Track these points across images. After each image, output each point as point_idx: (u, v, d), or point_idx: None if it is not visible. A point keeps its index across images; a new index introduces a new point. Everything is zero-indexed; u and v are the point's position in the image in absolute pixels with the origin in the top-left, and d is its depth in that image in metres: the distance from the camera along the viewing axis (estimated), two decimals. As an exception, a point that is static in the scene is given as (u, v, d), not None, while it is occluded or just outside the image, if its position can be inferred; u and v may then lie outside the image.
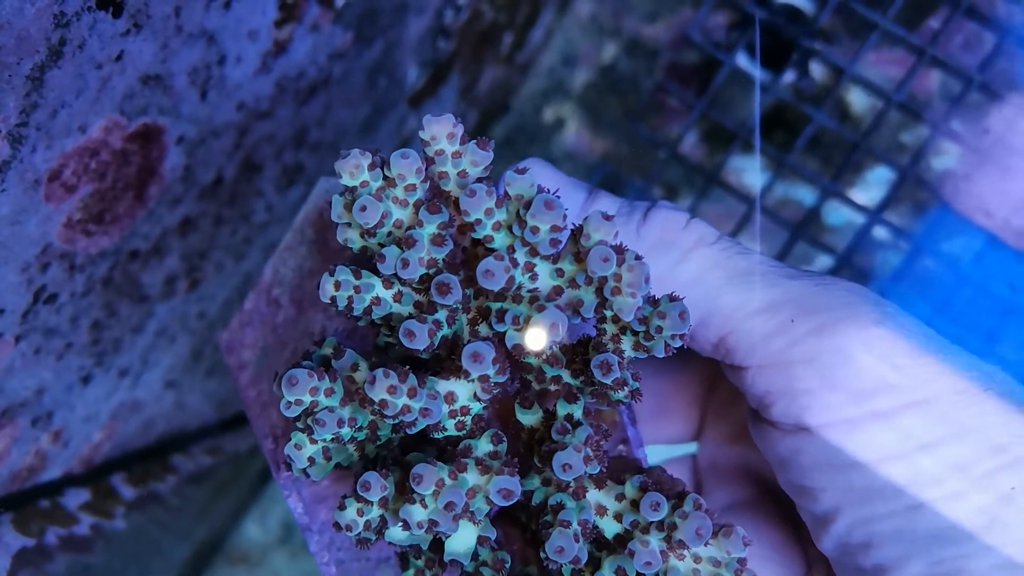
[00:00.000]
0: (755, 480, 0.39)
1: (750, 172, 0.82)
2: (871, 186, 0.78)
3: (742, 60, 0.72)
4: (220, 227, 0.53)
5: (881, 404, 0.29)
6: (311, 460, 0.28)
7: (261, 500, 0.86)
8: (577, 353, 0.29)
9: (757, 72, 0.73)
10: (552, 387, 0.29)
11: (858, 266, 0.67)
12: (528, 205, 0.27)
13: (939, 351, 0.30)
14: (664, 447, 0.41)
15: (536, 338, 0.27)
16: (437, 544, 0.30)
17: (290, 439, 0.28)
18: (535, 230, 0.27)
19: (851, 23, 0.72)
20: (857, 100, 0.76)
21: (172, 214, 0.48)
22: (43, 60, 0.33)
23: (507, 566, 0.30)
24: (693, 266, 0.31)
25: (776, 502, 0.37)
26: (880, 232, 0.70)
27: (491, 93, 0.81)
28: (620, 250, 0.27)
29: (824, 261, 0.72)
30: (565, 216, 0.27)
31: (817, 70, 0.73)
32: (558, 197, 0.27)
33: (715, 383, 0.40)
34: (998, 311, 0.67)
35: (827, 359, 0.29)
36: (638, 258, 0.27)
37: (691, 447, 0.41)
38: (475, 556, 0.30)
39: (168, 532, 0.63)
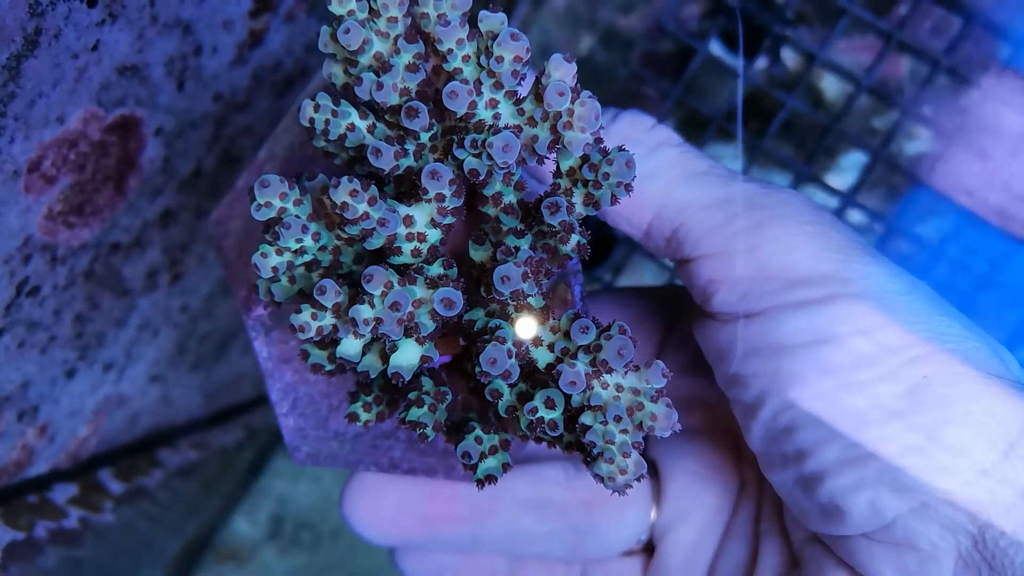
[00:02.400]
0: (704, 409, 0.41)
1: (727, 159, 0.83)
2: (845, 171, 0.79)
3: (716, 48, 0.73)
4: (201, 219, 0.53)
5: (812, 293, 0.31)
6: (275, 270, 0.30)
7: (250, 495, 0.87)
8: (535, 217, 0.30)
9: (740, 61, 0.74)
10: (520, 229, 0.31)
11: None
12: (495, 37, 0.28)
13: (871, 253, 0.32)
14: None
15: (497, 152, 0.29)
16: (386, 385, 0.31)
17: (257, 250, 0.30)
18: (499, 59, 0.28)
19: (821, 10, 0.73)
20: (829, 86, 0.77)
21: (152, 206, 0.48)
22: (19, 50, 0.33)
23: (448, 398, 0.32)
24: (654, 162, 0.33)
25: (721, 431, 0.39)
26: (854, 215, 0.71)
27: (469, 86, 0.81)
28: (576, 89, 0.28)
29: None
30: (528, 50, 0.29)
31: (789, 56, 0.74)
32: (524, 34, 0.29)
33: (675, 319, 0.42)
34: (976, 287, 0.68)
35: (765, 249, 0.32)
36: (591, 97, 0.28)
37: None
38: (418, 385, 0.32)
39: (158, 526, 0.64)
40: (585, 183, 0.29)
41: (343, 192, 0.27)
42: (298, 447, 0.36)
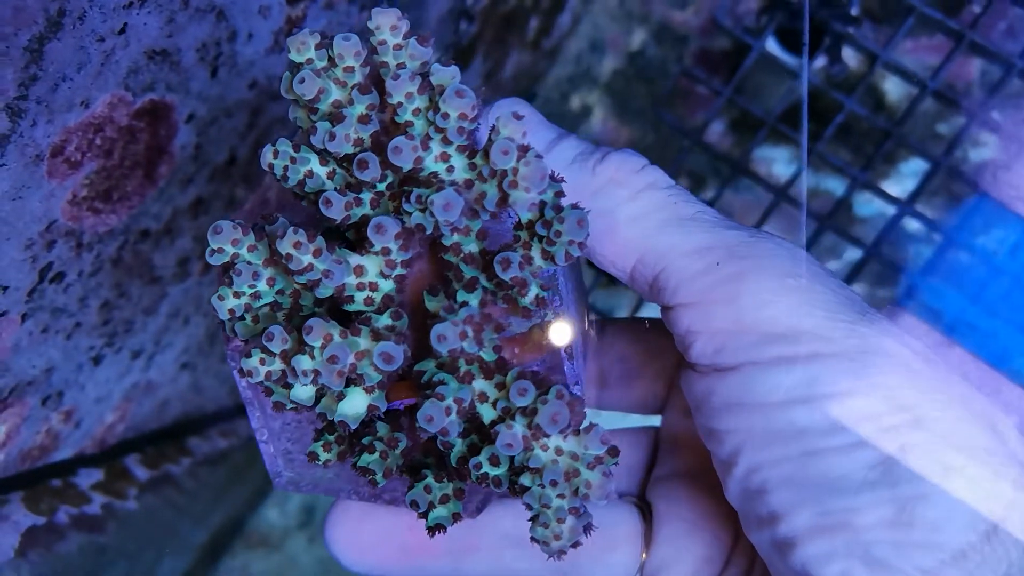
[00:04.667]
0: (708, 455, 0.39)
1: (780, 163, 0.80)
2: (905, 177, 0.76)
3: (772, 45, 0.70)
4: (234, 209, 0.53)
5: (791, 350, 0.30)
6: (231, 312, 0.30)
7: (281, 485, 0.86)
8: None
9: (804, 59, 0.71)
10: (472, 283, 0.31)
11: (888, 258, 0.64)
12: (443, 92, 0.28)
13: (859, 311, 0.30)
14: (630, 416, 0.43)
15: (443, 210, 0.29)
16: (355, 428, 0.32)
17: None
18: (445, 116, 0.28)
19: (887, 7, 0.69)
20: (892, 88, 0.74)
21: (184, 194, 0.47)
22: (41, 31, 0.32)
23: (401, 444, 0.32)
24: (639, 205, 0.32)
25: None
26: (912, 224, 0.68)
27: (516, 79, 0.80)
28: (524, 148, 0.28)
29: (853, 254, 0.70)
30: (475, 107, 0.29)
31: (850, 56, 0.71)
32: (470, 89, 0.29)
33: (683, 362, 0.40)
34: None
35: (744, 301, 0.30)
36: (538, 156, 0.28)
37: (655, 420, 0.42)
38: (373, 431, 0.32)
39: (183, 515, 0.64)
40: (540, 239, 0.29)
41: (287, 243, 0.28)
42: (280, 473, 0.37)
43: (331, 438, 0.33)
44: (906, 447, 0.28)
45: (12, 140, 0.34)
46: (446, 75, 0.29)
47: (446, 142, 0.29)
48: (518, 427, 0.29)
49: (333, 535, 0.38)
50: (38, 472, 0.49)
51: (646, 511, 0.39)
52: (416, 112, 0.30)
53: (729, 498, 0.32)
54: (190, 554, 0.68)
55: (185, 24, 0.39)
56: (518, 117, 0.29)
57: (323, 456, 0.33)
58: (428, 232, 0.30)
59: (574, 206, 0.29)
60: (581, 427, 0.29)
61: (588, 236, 0.29)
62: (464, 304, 0.30)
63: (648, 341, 0.41)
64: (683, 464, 0.40)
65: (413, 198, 0.29)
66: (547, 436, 0.29)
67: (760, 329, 0.30)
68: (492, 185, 0.29)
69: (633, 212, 0.32)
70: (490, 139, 0.29)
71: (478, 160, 0.29)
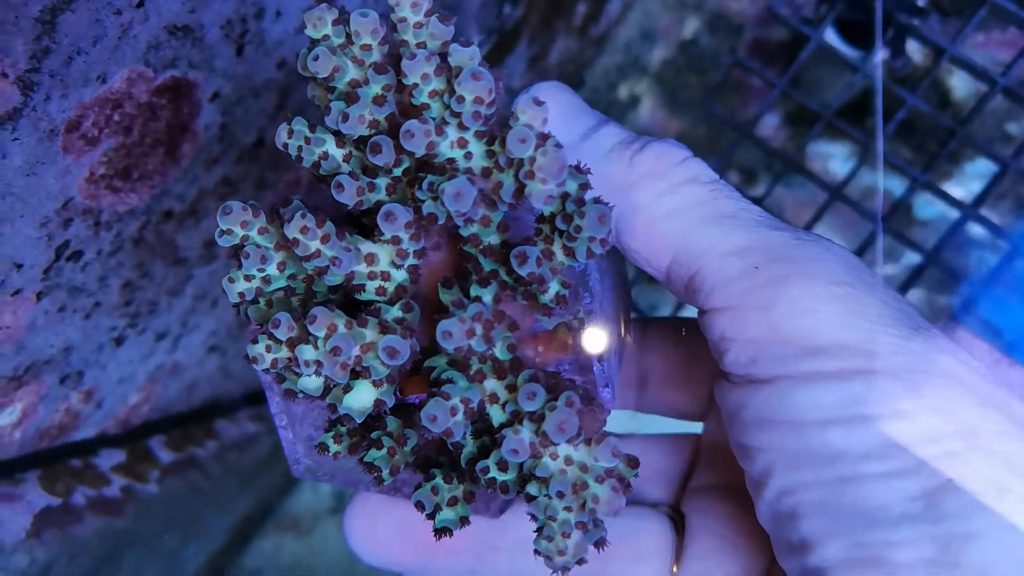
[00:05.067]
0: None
1: (837, 160, 0.76)
2: (970, 179, 0.72)
3: (831, 36, 0.66)
4: (263, 191, 0.51)
5: (830, 365, 0.27)
6: (241, 296, 0.29)
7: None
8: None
9: (878, 44, 0.68)
10: (487, 278, 0.30)
11: (949, 265, 0.61)
12: (459, 74, 0.27)
13: (912, 326, 0.28)
14: (672, 422, 0.40)
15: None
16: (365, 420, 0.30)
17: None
18: (460, 99, 0.27)
19: (956, -2, 0.65)
20: (959, 84, 0.70)
21: (209, 175, 0.46)
22: (54, 2, 0.31)
23: (411, 441, 0.31)
24: (677, 199, 0.30)
25: None
26: (976, 229, 0.64)
27: (562, 65, 0.77)
28: (543, 136, 0.27)
29: (911, 258, 0.66)
30: (492, 91, 0.27)
31: (914, 49, 0.67)
32: (487, 69, 0.27)
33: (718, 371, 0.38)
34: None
35: (782, 309, 0.28)
36: (557, 146, 0.26)
37: (698, 426, 0.40)
38: (383, 426, 0.31)
39: (207, 501, 0.63)
40: (560, 234, 0.27)
41: (294, 228, 0.27)
42: (298, 460, 0.35)
43: (342, 429, 0.32)
44: (954, 480, 0.26)
45: (25, 114, 0.33)
46: (464, 56, 0.27)
47: (462, 127, 0.28)
48: (525, 433, 0.27)
49: (350, 527, 0.37)
50: (57, 451, 0.49)
51: (679, 523, 0.37)
52: (432, 94, 0.28)
53: (760, 520, 0.30)
54: (215, 539, 0.68)
55: (208, -1, 0.38)
56: (539, 103, 0.27)
57: (333, 447, 0.32)
58: (441, 222, 0.28)
59: (597, 200, 0.27)
60: (594, 438, 0.28)
61: (611, 233, 0.27)
62: (476, 299, 0.29)
63: (692, 343, 0.39)
64: (722, 477, 0.37)
65: (426, 185, 0.28)
66: (555, 444, 0.27)
67: (798, 340, 0.28)
68: (509, 175, 0.27)
69: (671, 207, 0.30)
70: (508, 125, 0.27)
71: (496, 147, 0.28)
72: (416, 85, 0.28)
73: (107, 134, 0.38)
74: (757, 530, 0.35)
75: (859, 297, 0.28)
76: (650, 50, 0.81)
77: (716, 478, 0.38)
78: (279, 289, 0.30)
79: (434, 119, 0.28)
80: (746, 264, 0.29)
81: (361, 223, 0.32)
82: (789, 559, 0.29)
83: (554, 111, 0.31)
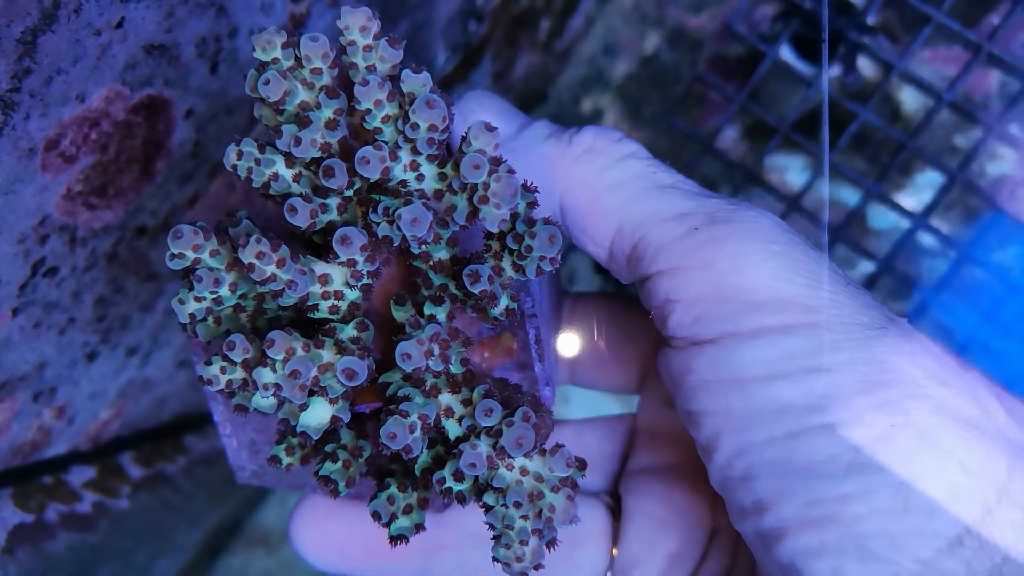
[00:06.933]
0: (681, 445, 0.38)
1: (793, 172, 0.78)
2: (921, 189, 0.74)
3: (786, 53, 0.69)
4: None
5: (770, 319, 0.28)
6: (192, 316, 0.29)
7: (280, 485, 0.86)
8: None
9: (824, 60, 0.70)
10: (439, 295, 0.30)
11: (901, 272, 0.63)
12: (413, 101, 0.28)
13: (842, 282, 0.29)
14: (605, 408, 0.41)
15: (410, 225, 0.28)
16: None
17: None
18: (415, 126, 0.28)
19: (904, 17, 0.68)
20: (908, 99, 0.73)
21: (182, 191, 0.47)
22: (35, 23, 0.31)
23: (364, 453, 0.31)
24: (619, 172, 0.31)
25: (695, 470, 0.37)
26: (926, 238, 0.66)
27: (527, 80, 0.79)
28: (496, 161, 0.27)
29: (865, 267, 0.69)
30: (446, 118, 0.28)
31: (865, 65, 0.70)
32: (440, 96, 0.28)
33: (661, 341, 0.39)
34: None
35: (723, 265, 0.29)
36: (510, 171, 0.27)
37: (633, 405, 0.41)
38: (337, 439, 0.31)
39: (178, 515, 0.63)
40: (511, 251, 0.28)
41: (250, 253, 0.27)
42: (243, 467, 0.36)
43: (294, 441, 0.32)
44: (895, 426, 0.27)
45: (4, 133, 0.33)
46: (416, 82, 0.28)
47: (415, 152, 0.28)
48: (483, 447, 0.28)
49: (299, 534, 0.37)
50: (29, 468, 0.49)
51: (617, 505, 0.38)
52: (385, 119, 0.29)
53: (713, 485, 0.31)
54: (185, 554, 0.67)
55: (184, 18, 0.38)
56: (490, 129, 0.28)
57: (285, 460, 0.32)
58: (395, 244, 0.29)
59: (546, 220, 0.28)
60: (548, 447, 0.29)
61: (560, 251, 0.28)
62: (431, 318, 0.29)
63: (623, 318, 0.40)
64: (657, 457, 0.38)
65: (380, 209, 0.28)
66: (512, 457, 0.28)
67: (740, 296, 0.29)
68: (462, 198, 0.28)
69: (613, 180, 0.31)
70: (461, 150, 0.28)
71: (448, 170, 0.28)
72: (369, 111, 0.28)
73: (84, 152, 0.38)
74: (695, 507, 0.36)
75: (794, 255, 0.29)
76: (613, 65, 0.83)
77: (652, 460, 0.39)
78: (227, 307, 0.30)
79: (387, 143, 0.28)
80: (687, 227, 0.30)
81: (311, 242, 0.32)
82: (744, 522, 0.29)
83: (488, 114, 0.33)
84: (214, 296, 0.29)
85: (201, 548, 0.71)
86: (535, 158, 0.32)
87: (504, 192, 0.27)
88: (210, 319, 0.30)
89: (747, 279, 0.29)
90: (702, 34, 0.81)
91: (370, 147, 0.27)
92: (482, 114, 0.32)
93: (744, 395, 0.28)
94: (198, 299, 0.29)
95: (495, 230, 0.28)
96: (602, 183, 0.31)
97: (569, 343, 0.41)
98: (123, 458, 0.56)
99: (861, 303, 0.29)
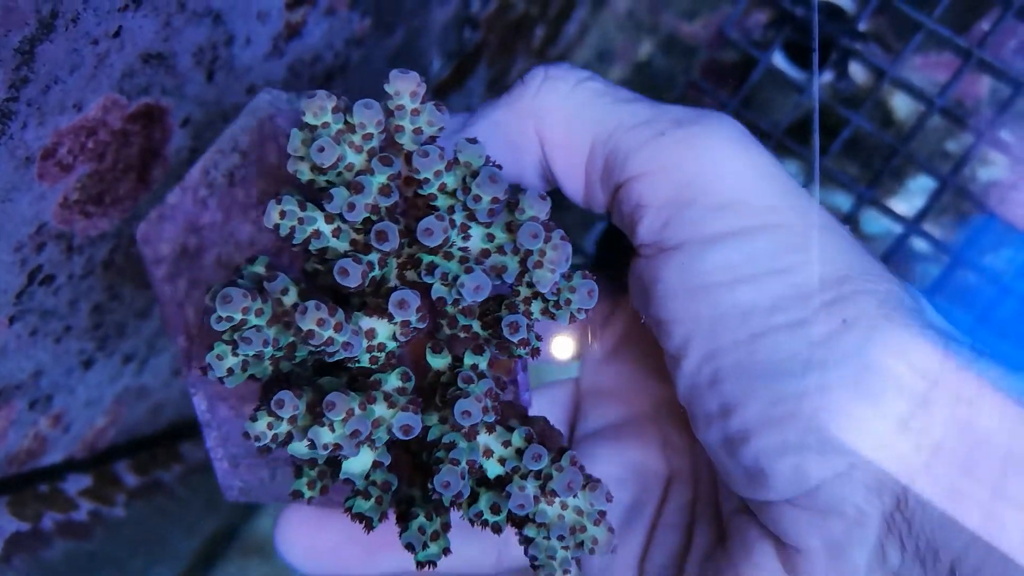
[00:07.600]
0: (627, 401, 0.39)
1: (787, 176, 0.79)
2: (913, 195, 0.75)
3: (779, 59, 0.69)
4: (231, 214, 0.52)
5: (736, 222, 0.29)
6: (230, 371, 0.30)
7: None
8: (490, 308, 0.31)
9: (815, 67, 0.71)
10: (462, 334, 0.31)
11: (895, 277, 0.63)
12: (475, 174, 0.29)
13: (800, 189, 0.30)
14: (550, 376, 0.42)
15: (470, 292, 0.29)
16: (332, 459, 0.31)
17: (213, 348, 0.30)
18: (477, 199, 0.29)
19: (895, 23, 0.69)
20: (900, 104, 0.73)
21: (179, 199, 0.47)
22: (33, 33, 0.32)
23: (393, 488, 0.32)
24: (583, 93, 0.32)
25: (644, 422, 0.38)
26: (919, 244, 0.67)
27: (521, 88, 0.79)
28: (549, 227, 0.29)
29: (859, 271, 0.69)
30: (507, 190, 0.29)
31: (857, 71, 0.70)
32: (500, 169, 0.29)
33: (620, 298, 0.41)
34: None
35: (689, 167, 0.30)
36: (563, 238, 0.28)
37: (574, 371, 0.42)
38: (366, 475, 0.32)
39: (174, 523, 0.63)
40: (545, 300, 0.29)
41: (310, 320, 0.27)
42: (232, 485, 0.37)
43: (313, 474, 0.33)
44: (847, 321, 0.28)
45: (2, 142, 0.33)
46: (473, 153, 0.29)
47: (471, 219, 0.29)
48: (530, 488, 0.29)
49: (288, 541, 0.37)
50: (25, 477, 0.49)
51: None
52: (442, 188, 0.29)
53: (680, 399, 0.31)
54: (181, 561, 0.67)
55: (181, 27, 0.38)
56: (543, 198, 0.29)
57: (307, 494, 0.33)
58: (448, 305, 0.30)
59: (584, 275, 0.29)
60: (587, 484, 0.30)
61: (593, 295, 0.29)
62: (473, 368, 0.30)
63: None
64: (604, 418, 0.39)
65: (437, 274, 0.29)
66: (557, 496, 0.29)
67: (703, 200, 0.29)
68: (514, 261, 0.29)
69: (580, 100, 0.32)
70: (513, 214, 0.29)
71: (497, 231, 0.29)
72: (427, 180, 0.29)
73: (81, 161, 0.38)
74: (646, 458, 0.37)
75: (755, 159, 0.30)
76: (607, 71, 0.83)
77: (599, 421, 0.39)
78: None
79: (442, 210, 0.30)
80: (655, 131, 0.31)
81: (313, 271, 0.33)
82: (709, 430, 0.30)
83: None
84: (256, 352, 0.29)
85: (197, 556, 0.71)
86: (500, 123, 0.33)
87: (559, 259, 0.28)
88: (238, 368, 0.31)
89: (712, 178, 0.30)
90: (696, 41, 0.81)
91: (433, 218, 0.29)
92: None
93: (711, 301, 0.29)
94: (236, 355, 0.29)
95: (546, 291, 0.29)
96: (571, 104, 0.32)
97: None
98: (119, 466, 0.56)
99: (816, 208, 0.30)
